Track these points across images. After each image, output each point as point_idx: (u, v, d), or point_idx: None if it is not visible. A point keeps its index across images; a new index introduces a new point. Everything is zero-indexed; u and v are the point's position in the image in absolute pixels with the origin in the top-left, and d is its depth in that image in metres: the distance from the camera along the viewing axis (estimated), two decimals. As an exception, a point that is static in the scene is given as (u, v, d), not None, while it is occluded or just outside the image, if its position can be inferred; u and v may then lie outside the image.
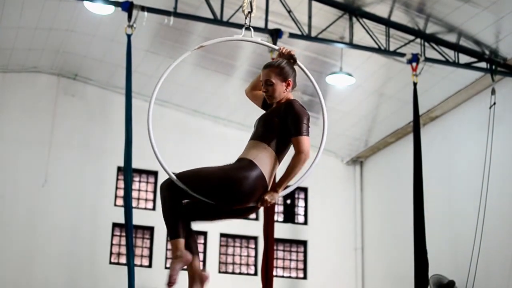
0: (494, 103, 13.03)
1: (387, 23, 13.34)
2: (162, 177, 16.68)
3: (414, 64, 12.89)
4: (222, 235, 16.98)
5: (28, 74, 16.27)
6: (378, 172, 17.76)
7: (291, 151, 4.60)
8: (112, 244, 16.16)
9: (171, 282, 4.85)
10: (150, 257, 16.38)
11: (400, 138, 16.63)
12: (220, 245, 16.97)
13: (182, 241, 4.78)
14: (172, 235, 4.84)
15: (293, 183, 4.64)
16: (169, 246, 4.79)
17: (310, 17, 13.00)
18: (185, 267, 4.86)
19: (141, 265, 16.07)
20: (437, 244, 13.82)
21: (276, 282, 12.40)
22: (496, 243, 12.86)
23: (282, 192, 4.59)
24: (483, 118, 13.43)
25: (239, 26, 13.00)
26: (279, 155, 4.65)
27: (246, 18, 5.20)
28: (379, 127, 16.62)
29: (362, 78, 14.66)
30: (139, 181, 16.78)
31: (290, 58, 4.98)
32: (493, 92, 13.09)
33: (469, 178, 13.90)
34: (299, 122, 4.59)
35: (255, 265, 16.92)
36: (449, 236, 14.34)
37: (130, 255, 7.19)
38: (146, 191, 16.86)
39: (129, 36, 11.68)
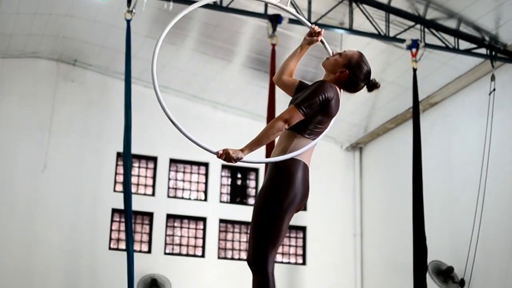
0: (494, 89, 13.01)
1: (387, 9, 13.30)
2: (161, 162, 16.72)
3: (414, 50, 12.87)
4: (221, 220, 17.00)
5: (27, 59, 16.24)
6: (377, 158, 17.76)
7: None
8: (111, 230, 16.19)
9: None
10: (150, 242, 16.41)
11: (399, 124, 16.62)
12: (220, 231, 16.98)
13: None
14: None
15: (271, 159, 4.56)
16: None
17: (310, 3, 12.97)
18: None
19: (140, 251, 16.09)
20: (436, 230, 13.83)
21: (275, 268, 12.41)
22: (495, 229, 12.88)
23: (250, 158, 4.44)
24: (482, 104, 13.42)
25: (240, 11, 13.00)
26: (303, 132, 4.55)
27: None
28: (378, 113, 16.60)
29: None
30: (139, 167, 16.79)
31: (316, 36, 4.94)
32: (492, 78, 13.07)
33: (468, 164, 13.90)
34: (306, 95, 4.49)
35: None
36: (448, 222, 14.35)
37: (130, 240, 7.20)
38: (146, 176, 16.87)
39: (128, 22, 11.66)
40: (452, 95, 14.85)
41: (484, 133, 12.92)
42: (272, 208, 4.42)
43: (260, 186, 4.57)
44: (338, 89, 4.67)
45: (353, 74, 4.72)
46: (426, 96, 14.94)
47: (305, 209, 17.82)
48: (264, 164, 13.77)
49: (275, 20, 12.62)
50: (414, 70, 12.78)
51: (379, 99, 15.99)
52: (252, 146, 4.38)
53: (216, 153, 4.43)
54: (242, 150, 4.36)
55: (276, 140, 4.65)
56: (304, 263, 17.52)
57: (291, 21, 12.70)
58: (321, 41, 4.97)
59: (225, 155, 4.37)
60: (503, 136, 13.01)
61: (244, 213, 16.69)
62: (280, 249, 17.39)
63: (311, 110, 4.45)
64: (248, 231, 4.59)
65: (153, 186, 16.83)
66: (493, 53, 13.18)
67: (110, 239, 16.14)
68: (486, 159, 12.78)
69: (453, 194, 14.40)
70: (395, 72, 14.80)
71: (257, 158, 4.64)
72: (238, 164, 4.54)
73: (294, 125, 4.48)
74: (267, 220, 4.42)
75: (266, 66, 14.64)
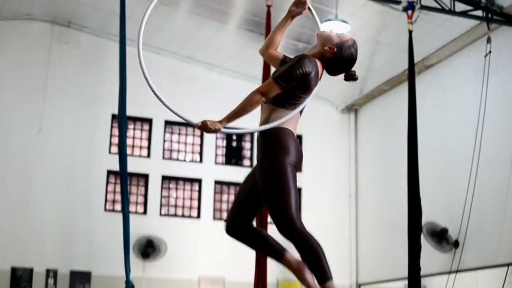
0: (490, 52, 12.99)
1: (383, -30, 13.25)
2: (156, 124, 16.73)
3: (409, 11, 12.80)
4: (216, 182, 17.06)
5: (21, 21, 16.16)
6: (372, 120, 17.78)
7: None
8: (107, 192, 16.24)
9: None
10: (145, 204, 16.48)
11: (395, 86, 16.62)
12: (215, 192, 17.04)
13: (287, 259, 4.72)
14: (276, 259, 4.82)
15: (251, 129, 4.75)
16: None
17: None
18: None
19: (136, 212, 16.17)
20: (430, 192, 13.89)
21: (270, 227, 12.48)
22: (489, 191, 12.94)
23: (228, 130, 4.57)
24: (478, 67, 13.41)
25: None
26: (282, 105, 4.65)
27: None
28: (374, 75, 16.59)
29: (357, 26, 14.58)
30: (134, 129, 16.79)
31: (302, 6, 5.02)
32: (488, 40, 13.04)
33: (463, 126, 13.93)
34: (285, 69, 4.57)
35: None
36: (443, 184, 14.42)
37: (125, 202, 7.22)
38: (141, 138, 16.88)
39: (122, -18, 11.58)
40: (447, 57, 14.84)
41: (480, 95, 12.93)
42: (276, 174, 4.53)
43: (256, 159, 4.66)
44: (319, 64, 4.74)
45: (339, 55, 4.79)
46: (422, 58, 14.91)
47: (300, 170, 17.83)
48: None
49: (270, -18, 12.55)
50: (410, 32, 12.72)
51: (374, 61, 15.97)
52: (230, 117, 4.49)
53: (196, 125, 4.48)
54: (220, 122, 4.45)
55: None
56: (299, 224, 17.59)
57: (287, -18, 12.63)
58: (309, 8, 5.03)
59: (203, 126, 4.44)
60: (498, 98, 13.02)
61: (239, 174, 16.71)
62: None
63: (289, 84, 4.53)
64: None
65: (149, 148, 16.85)
66: (489, 15, 13.13)
67: (106, 200, 16.20)
68: (481, 121, 12.80)
69: (448, 156, 14.45)
70: (390, 34, 14.76)
71: (239, 129, 4.75)
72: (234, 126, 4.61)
73: (273, 98, 4.59)
74: (278, 188, 4.51)
75: (261, 28, 14.58)
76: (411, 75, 12.68)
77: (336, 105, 18.21)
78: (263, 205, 4.77)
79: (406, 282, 12.85)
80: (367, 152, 17.83)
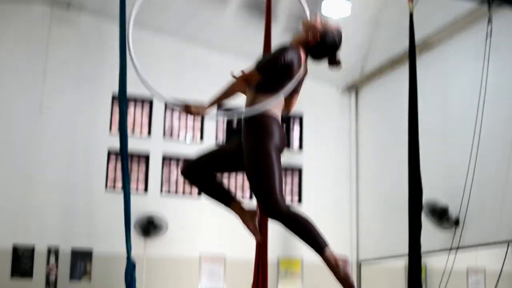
0: (491, 32, 12.98)
1: (384, -51, 13.23)
2: (157, 104, 16.77)
3: (410, -9, 12.79)
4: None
5: (20, 3, 16.15)
6: (373, 100, 17.80)
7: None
8: (108, 170, 16.30)
9: (259, 238, 5.24)
10: (146, 183, 16.55)
11: (395, 67, 16.60)
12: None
13: (235, 206, 5.02)
14: (225, 204, 5.10)
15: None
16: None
17: None
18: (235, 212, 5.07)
19: (136, 190, 16.23)
20: (431, 171, 13.92)
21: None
22: (489, 169, 12.98)
23: (213, 112, 4.80)
24: (479, 48, 13.38)
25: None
26: (265, 91, 4.80)
27: None
28: (375, 55, 16.59)
29: (358, 6, 14.57)
30: (134, 109, 16.81)
31: None
32: (489, 21, 13.01)
33: (464, 107, 13.95)
34: (268, 59, 4.78)
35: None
36: (444, 163, 14.46)
37: (126, 181, 7.26)
38: (141, 117, 16.91)
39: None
40: (448, 38, 14.83)
41: (480, 76, 12.92)
42: (261, 159, 4.68)
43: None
44: (302, 51, 4.93)
45: (322, 43, 4.98)
46: (423, 39, 14.89)
47: (301, 150, 17.92)
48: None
49: (271, -40, 12.50)
50: (411, 12, 12.71)
51: (375, 41, 15.97)
52: (213, 102, 4.74)
53: (180, 108, 4.73)
54: (204, 107, 4.70)
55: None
56: (300, 203, 17.66)
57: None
58: None
59: (187, 110, 4.69)
60: (498, 79, 13.03)
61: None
62: (276, 191, 17.51)
63: (271, 74, 4.72)
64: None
65: (149, 127, 16.89)
66: (490, -5, 13.12)
67: (107, 179, 16.26)
68: (482, 101, 12.81)
69: (449, 136, 14.48)
70: (391, 14, 14.74)
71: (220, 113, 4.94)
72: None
73: (258, 85, 4.77)
74: (262, 172, 4.66)
75: (262, 8, 14.53)
76: (411, 56, 12.66)
77: (337, 85, 18.21)
78: (228, 171, 5.14)
79: (406, 259, 12.94)
80: (368, 132, 17.86)
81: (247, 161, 4.75)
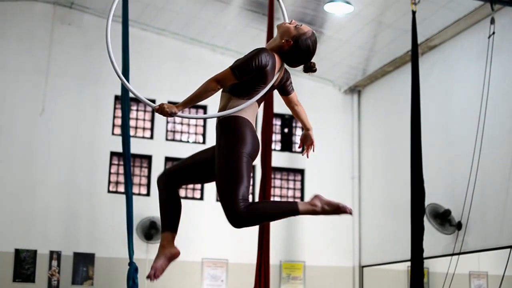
0: (493, 33, 12.93)
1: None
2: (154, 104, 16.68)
3: (413, -8, 12.76)
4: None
5: (23, 2, 16.11)
6: (375, 101, 17.75)
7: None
8: (110, 173, 16.25)
9: (152, 275, 5.21)
10: (148, 185, 16.49)
11: (398, 67, 16.57)
12: None
13: (168, 235, 5.34)
14: (163, 228, 5.40)
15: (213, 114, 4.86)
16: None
17: None
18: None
19: (139, 194, 16.18)
20: (434, 174, 13.89)
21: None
22: (492, 172, 12.93)
23: (184, 113, 4.81)
24: (481, 48, 13.36)
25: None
26: (238, 94, 4.80)
27: None
28: (377, 56, 16.54)
29: (360, 6, 14.53)
30: (137, 110, 16.78)
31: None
32: (492, 21, 12.97)
33: (466, 108, 13.90)
34: (242, 60, 4.74)
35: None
36: (446, 166, 14.41)
37: (128, 183, 7.23)
38: (144, 119, 16.86)
39: (125, -37, 11.53)
40: (451, 38, 14.78)
41: (483, 76, 12.88)
42: (230, 163, 4.64)
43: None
44: (277, 57, 4.86)
45: (296, 48, 4.88)
46: (425, 39, 14.86)
47: (303, 151, 17.83)
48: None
49: (273, -40, 12.48)
50: (413, 12, 12.66)
51: (377, 42, 15.92)
52: (186, 103, 4.71)
53: (154, 107, 4.70)
54: (177, 106, 4.66)
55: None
56: (302, 205, 17.59)
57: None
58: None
59: (160, 109, 4.65)
60: (501, 80, 12.99)
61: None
62: (278, 192, 17.49)
63: (244, 74, 4.68)
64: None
65: (152, 129, 16.84)
66: (493, -4, 13.07)
67: (109, 182, 16.21)
68: (485, 102, 12.77)
69: (451, 138, 14.43)
70: (394, 15, 14.70)
71: (194, 114, 4.98)
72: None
73: (231, 88, 4.78)
74: (229, 176, 4.63)
75: (264, 9, 14.52)
76: (414, 56, 12.64)
77: (339, 86, 18.17)
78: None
79: (409, 264, 12.89)
80: (370, 134, 17.81)
81: (217, 164, 4.73)
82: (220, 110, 4.84)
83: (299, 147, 5.81)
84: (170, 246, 5.04)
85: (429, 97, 14.43)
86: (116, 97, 16.11)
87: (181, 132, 17.11)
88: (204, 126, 17.18)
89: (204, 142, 17.05)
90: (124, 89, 7.30)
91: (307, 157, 5.45)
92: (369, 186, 17.54)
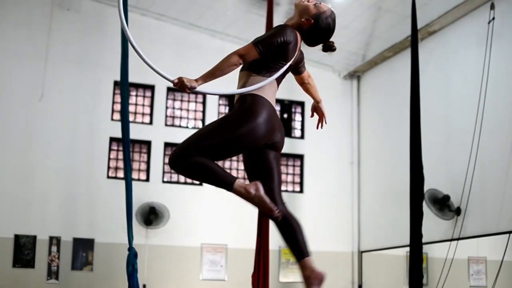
0: (493, 18, 12.92)
1: None
2: (159, 91, 16.71)
3: (413, -23, 12.72)
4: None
5: (22, -12, 16.11)
6: (375, 87, 17.74)
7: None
8: (109, 159, 16.25)
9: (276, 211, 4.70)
10: (148, 171, 16.49)
11: (398, 53, 16.55)
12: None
13: (240, 181, 4.61)
14: (225, 186, 4.62)
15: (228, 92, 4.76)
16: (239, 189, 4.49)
17: None
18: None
19: (138, 179, 16.19)
20: (433, 159, 13.90)
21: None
22: (491, 158, 12.94)
23: (203, 88, 4.55)
24: (481, 33, 13.35)
25: None
26: (258, 71, 4.70)
27: None
28: (376, 41, 16.52)
29: (360, -8, 14.52)
30: (136, 95, 16.76)
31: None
32: (492, 7, 12.96)
33: (466, 93, 13.89)
34: (266, 35, 4.65)
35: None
36: (445, 151, 14.41)
37: (128, 169, 7.21)
38: (143, 105, 16.85)
39: None
40: (451, 24, 14.76)
41: (483, 62, 12.88)
42: (223, 128, 4.52)
43: None
44: (298, 35, 4.78)
45: (316, 26, 4.80)
46: (425, 25, 14.83)
47: (302, 137, 17.88)
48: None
49: None
50: (413, -3, 12.66)
51: (377, 27, 15.90)
52: (206, 77, 4.51)
53: (172, 81, 4.50)
54: (196, 80, 4.47)
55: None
56: (301, 191, 17.64)
57: None
58: None
59: (179, 83, 4.45)
60: (501, 66, 12.97)
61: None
62: (277, 178, 17.47)
63: (268, 50, 4.59)
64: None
65: (151, 114, 16.83)
66: (493, -19, 13.06)
67: (108, 167, 16.21)
68: (484, 87, 12.77)
69: (451, 123, 14.42)
70: (393, 0, 14.67)
71: (213, 89, 4.78)
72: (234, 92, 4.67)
73: (250, 65, 4.69)
74: (212, 127, 4.55)
75: (263, -6, 14.50)
76: (414, 42, 12.62)
77: (339, 71, 18.15)
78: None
79: (407, 249, 12.91)
80: (370, 119, 17.81)
81: (210, 123, 4.67)
82: (240, 87, 4.76)
83: (311, 116, 5.78)
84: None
85: (428, 82, 14.42)
86: (115, 83, 16.11)
87: (180, 118, 17.10)
88: (204, 112, 17.17)
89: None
90: (124, 75, 7.25)
91: (321, 127, 5.33)
92: (368, 172, 17.56)
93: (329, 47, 4.96)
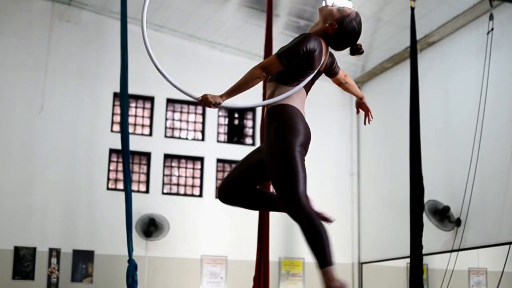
0: (492, 29, 12.94)
1: None
2: (158, 102, 16.73)
3: (412, -12, 12.76)
4: (218, 160, 17.04)
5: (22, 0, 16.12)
6: (375, 98, 17.70)
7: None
8: (109, 170, 16.24)
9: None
10: (147, 182, 16.48)
11: (397, 64, 16.57)
12: (217, 171, 17.00)
13: None
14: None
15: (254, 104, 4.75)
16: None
17: None
18: None
19: (138, 191, 16.17)
20: (432, 170, 13.89)
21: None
22: (491, 169, 12.93)
23: (228, 103, 4.52)
24: (480, 44, 13.37)
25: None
26: (284, 82, 4.64)
27: None
28: (376, 52, 16.53)
29: (359, 2, 14.51)
30: (136, 107, 16.77)
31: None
32: (491, 17, 12.98)
33: (465, 104, 13.90)
34: (289, 46, 4.55)
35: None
36: (445, 162, 14.41)
37: (127, 180, 7.20)
38: (143, 116, 16.86)
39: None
40: (450, 35, 14.78)
41: (482, 72, 12.88)
42: (285, 155, 4.46)
43: (260, 129, 4.69)
44: (323, 42, 4.71)
45: (341, 30, 4.74)
46: (424, 36, 14.87)
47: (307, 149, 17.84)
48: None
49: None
50: (412, 8, 12.68)
51: (376, 38, 15.92)
52: (231, 92, 4.46)
53: (197, 99, 4.47)
54: (221, 96, 4.42)
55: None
56: (301, 202, 17.60)
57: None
58: None
59: (204, 100, 4.41)
60: (500, 76, 12.99)
61: (241, 152, 16.66)
62: (277, 189, 17.47)
63: (292, 61, 4.51)
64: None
65: (150, 126, 16.83)
66: (492, -9, 13.07)
67: (108, 179, 16.20)
68: (483, 98, 12.77)
69: (450, 134, 14.43)
70: (392, 11, 14.70)
71: (241, 102, 4.73)
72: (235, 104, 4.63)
73: (277, 76, 4.60)
74: (286, 169, 4.45)
75: (263, 5, 14.52)
76: (413, 53, 12.65)
77: (338, 82, 18.14)
78: (265, 182, 4.81)
79: (408, 260, 12.89)
80: (369, 130, 17.76)
81: (268, 155, 4.54)
82: (268, 98, 4.67)
83: (357, 113, 5.79)
84: None
85: (428, 93, 14.43)
86: (115, 94, 16.12)
87: (180, 129, 17.11)
88: (203, 123, 17.18)
89: (203, 139, 17.06)
90: (123, 86, 7.24)
91: (369, 123, 5.26)
92: (368, 183, 17.54)
93: (356, 50, 4.90)
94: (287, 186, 4.42)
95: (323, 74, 5.04)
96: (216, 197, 4.80)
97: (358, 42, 4.89)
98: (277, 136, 4.51)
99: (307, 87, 4.78)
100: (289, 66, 4.52)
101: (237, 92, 4.47)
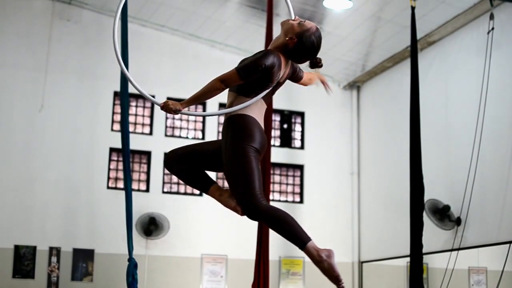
0: (493, 28, 12.93)
1: None
2: (158, 101, 16.68)
3: (412, -13, 12.76)
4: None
5: (22, -1, 16.15)
6: (375, 97, 17.75)
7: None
8: (109, 169, 16.24)
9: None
10: (148, 181, 16.48)
11: (397, 63, 16.57)
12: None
13: (214, 189, 4.99)
14: (204, 189, 5.05)
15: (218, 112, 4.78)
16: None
17: None
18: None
19: (138, 190, 16.18)
20: (433, 169, 13.89)
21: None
22: (491, 168, 12.93)
23: (188, 111, 4.82)
24: (481, 43, 13.36)
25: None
26: (243, 93, 4.79)
27: None
28: (376, 52, 16.54)
29: (360, 2, 14.53)
30: (136, 106, 16.77)
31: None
32: (491, 17, 12.98)
33: (466, 103, 13.90)
34: (248, 61, 4.71)
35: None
36: (445, 161, 14.41)
37: (128, 179, 7.22)
38: (143, 115, 16.86)
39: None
40: (450, 34, 14.78)
41: (482, 72, 12.88)
42: (239, 160, 4.65)
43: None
44: (282, 57, 4.85)
45: (301, 44, 4.84)
46: (424, 35, 14.87)
47: (302, 148, 17.87)
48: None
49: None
50: (413, 8, 12.67)
51: (377, 37, 15.92)
52: (191, 101, 4.75)
53: (159, 105, 4.77)
54: (181, 104, 4.70)
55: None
56: (301, 201, 17.63)
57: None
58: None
59: (165, 106, 4.72)
60: (500, 75, 12.98)
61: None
62: (277, 188, 17.50)
63: (250, 76, 4.67)
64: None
65: (151, 125, 16.83)
66: (492, -9, 13.08)
67: (108, 178, 16.20)
68: (484, 98, 12.77)
69: (451, 133, 14.43)
70: (393, 10, 14.69)
71: (199, 111, 4.92)
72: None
73: (237, 87, 4.77)
74: (241, 173, 4.64)
75: (263, 4, 14.52)
76: (413, 52, 12.64)
77: (338, 82, 18.17)
78: (209, 170, 5.01)
79: (408, 259, 12.89)
80: (370, 129, 17.81)
81: (225, 160, 4.73)
82: (227, 107, 4.84)
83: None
84: (223, 191, 4.89)
85: (428, 92, 14.43)
86: (115, 93, 16.11)
87: (180, 128, 17.10)
88: (203, 122, 17.17)
89: (203, 138, 17.05)
90: (124, 85, 7.28)
91: (331, 91, 5.37)
92: (369, 182, 17.55)
93: (315, 64, 4.99)
94: (243, 188, 4.63)
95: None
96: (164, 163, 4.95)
97: (318, 56, 4.96)
98: (233, 141, 4.69)
99: (267, 98, 4.91)
100: (247, 80, 4.68)
101: (197, 101, 4.76)
